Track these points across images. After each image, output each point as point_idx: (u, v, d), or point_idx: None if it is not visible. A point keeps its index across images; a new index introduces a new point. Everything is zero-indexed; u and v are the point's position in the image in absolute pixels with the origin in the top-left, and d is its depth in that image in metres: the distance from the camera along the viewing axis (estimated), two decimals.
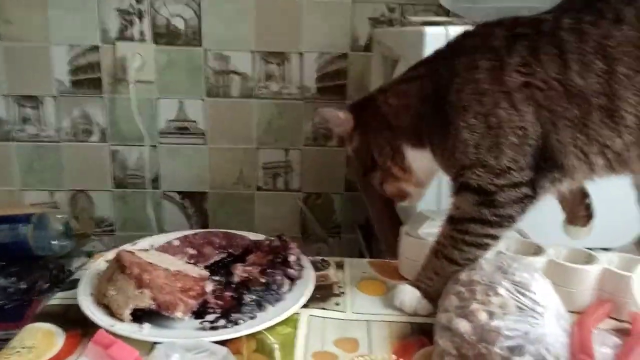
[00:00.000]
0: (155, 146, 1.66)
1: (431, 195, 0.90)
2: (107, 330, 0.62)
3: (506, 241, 0.76)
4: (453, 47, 0.69)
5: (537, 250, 0.75)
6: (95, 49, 1.57)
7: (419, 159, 0.74)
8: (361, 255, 1.51)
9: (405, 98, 0.73)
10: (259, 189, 1.73)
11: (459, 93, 0.65)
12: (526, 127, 0.63)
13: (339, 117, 0.78)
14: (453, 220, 0.68)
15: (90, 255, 1.48)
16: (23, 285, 1.27)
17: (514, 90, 0.63)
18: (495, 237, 0.67)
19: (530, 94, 0.62)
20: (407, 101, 0.72)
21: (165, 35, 1.57)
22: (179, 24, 1.56)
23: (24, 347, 0.63)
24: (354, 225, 1.71)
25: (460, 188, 0.67)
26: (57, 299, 0.75)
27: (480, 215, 0.66)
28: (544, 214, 0.69)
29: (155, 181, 1.69)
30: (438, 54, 0.72)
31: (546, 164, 0.64)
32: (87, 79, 1.59)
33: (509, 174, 0.64)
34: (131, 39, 1.57)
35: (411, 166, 0.75)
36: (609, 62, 0.60)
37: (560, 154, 0.63)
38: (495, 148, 0.64)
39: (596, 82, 0.60)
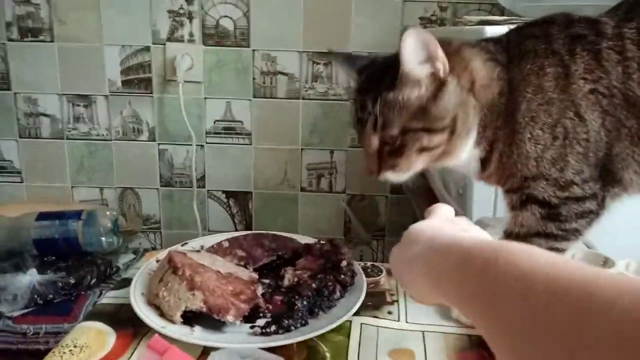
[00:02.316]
0: (202, 146, 1.67)
1: (487, 201, 0.87)
2: (158, 332, 0.62)
3: (572, 252, 0.72)
4: (518, 46, 0.65)
5: (606, 263, 0.71)
6: (146, 49, 1.59)
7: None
8: None
9: (491, 78, 0.64)
10: (302, 189, 1.72)
11: (529, 103, 0.62)
12: (589, 137, 0.61)
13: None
14: (515, 236, 0.66)
15: (136, 252, 1.51)
16: (71, 280, 1.28)
17: (580, 98, 0.61)
18: (561, 250, 0.65)
19: (596, 100, 0.60)
20: (491, 83, 0.64)
21: (214, 36, 1.58)
22: (228, 24, 1.57)
23: (76, 346, 0.64)
24: (399, 228, 1.67)
25: (526, 201, 0.64)
26: (109, 297, 0.75)
27: (545, 230, 0.64)
28: (612, 225, 0.65)
29: (201, 180, 1.71)
30: (507, 48, 0.66)
31: (608, 177, 0.62)
32: (137, 78, 1.62)
33: (573, 188, 0.62)
34: (181, 40, 1.58)
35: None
36: None
37: (620, 166, 0.62)
38: (560, 160, 0.62)
39: None
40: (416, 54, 0.60)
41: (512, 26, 0.72)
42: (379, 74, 0.65)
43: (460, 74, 0.62)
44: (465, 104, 0.62)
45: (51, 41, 1.58)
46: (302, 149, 1.68)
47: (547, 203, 0.63)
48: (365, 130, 0.65)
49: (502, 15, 1.45)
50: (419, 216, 1.30)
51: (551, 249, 0.64)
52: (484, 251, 0.41)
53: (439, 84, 0.62)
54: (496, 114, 0.63)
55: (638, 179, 0.62)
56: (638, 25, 0.60)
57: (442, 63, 0.61)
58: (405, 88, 0.62)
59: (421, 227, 0.52)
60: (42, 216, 1.40)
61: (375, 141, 0.65)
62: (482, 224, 0.76)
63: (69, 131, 1.67)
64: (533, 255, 0.38)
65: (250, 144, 1.67)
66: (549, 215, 0.63)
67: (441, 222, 0.53)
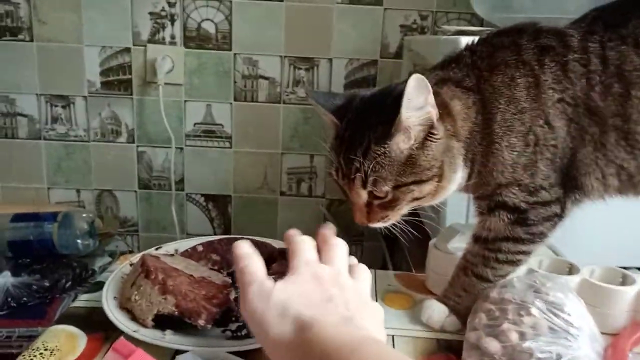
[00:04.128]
0: (181, 148, 1.66)
1: (460, 208, 0.88)
2: (129, 336, 0.62)
3: (539, 258, 0.74)
4: (488, 58, 0.66)
5: (571, 269, 0.73)
6: (126, 50, 1.59)
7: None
8: (384, 265, 1.49)
9: (467, 108, 0.64)
10: (282, 193, 1.72)
11: (504, 113, 0.63)
12: (557, 144, 0.63)
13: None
14: (484, 241, 0.67)
15: (112, 255, 1.50)
16: (46, 283, 1.27)
17: (549, 107, 0.62)
18: (528, 253, 0.67)
19: (563, 109, 0.62)
20: (468, 112, 0.64)
21: (195, 39, 1.58)
22: (210, 27, 1.57)
23: (46, 349, 0.63)
24: (377, 234, 1.69)
25: (495, 207, 0.66)
26: (81, 301, 0.75)
27: (513, 234, 0.65)
28: (578, 232, 0.67)
29: (180, 183, 1.70)
30: (473, 63, 0.66)
31: (570, 183, 0.64)
32: (117, 80, 1.61)
33: (541, 192, 0.64)
34: (162, 42, 1.58)
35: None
36: (625, 86, 0.61)
37: (582, 172, 0.64)
38: (532, 166, 0.63)
39: (613, 104, 0.61)
40: (416, 99, 0.58)
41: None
42: (363, 122, 0.62)
43: (444, 118, 0.62)
44: (450, 148, 0.62)
45: (30, 40, 1.57)
46: (282, 153, 1.68)
47: (516, 208, 0.65)
48: (354, 186, 0.62)
49: (481, 24, 1.47)
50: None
51: (518, 252, 0.66)
52: (342, 350, 0.44)
53: (427, 132, 0.61)
54: (475, 134, 0.64)
55: (599, 185, 0.64)
56: (601, 39, 0.62)
57: (433, 108, 0.60)
58: (398, 138, 0.60)
59: (288, 298, 0.50)
60: (16, 217, 1.39)
61: (364, 196, 0.63)
62: (452, 230, 0.78)
63: (47, 132, 1.65)
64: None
65: (230, 148, 1.67)
66: (518, 220, 0.65)
67: (309, 289, 0.51)
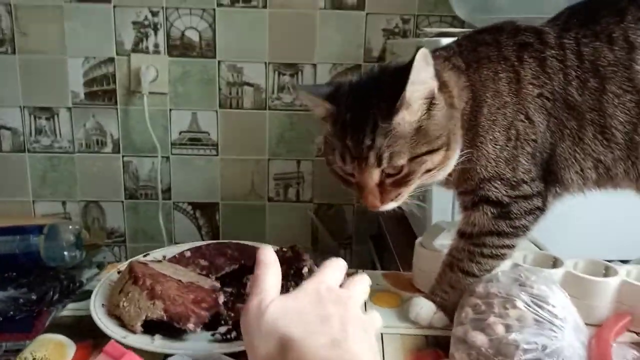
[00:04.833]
0: (167, 157, 1.66)
1: (446, 206, 0.89)
2: (119, 342, 0.61)
3: (523, 253, 0.75)
4: (472, 52, 0.67)
5: (555, 262, 0.74)
6: (110, 60, 1.58)
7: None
8: (373, 266, 1.50)
9: (460, 89, 0.65)
10: (270, 199, 1.72)
11: (490, 107, 0.65)
12: (537, 138, 0.64)
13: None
14: (469, 236, 0.68)
15: (100, 266, 1.49)
16: (33, 296, 1.26)
17: (529, 102, 0.64)
18: (511, 247, 0.68)
19: (542, 103, 0.64)
20: (461, 94, 0.65)
21: (179, 47, 1.58)
22: (194, 36, 1.57)
23: (35, 359, 0.63)
24: (366, 236, 1.70)
25: (479, 201, 0.67)
26: (69, 309, 0.74)
27: (497, 228, 0.66)
28: (561, 226, 0.68)
29: (166, 192, 1.70)
30: (461, 52, 0.67)
31: (550, 177, 0.66)
32: (101, 90, 1.61)
33: (522, 186, 0.65)
34: (146, 51, 1.58)
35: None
36: (600, 81, 0.63)
37: (562, 166, 0.65)
38: (513, 160, 0.65)
39: (590, 98, 0.63)
40: (424, 72, 0.59)
41: None
42: (364, 103, 0.62)
43: (442, 89, 0.63)
44: (452, 117, 0.64)
45: (12, 53, 1.56)
46: (269, 159, 1.69)
47: (499, 202, 0.66)
48: (367, 165, 0.61)
49: (462, 26, 1.50)
50: (382, 223, 1.32)
51: (503, 246, 0.67)
52: None
53: (430, 103, 0.62)
54: (464, 122, 0.65)
55: (578, 178, 0.66)
56: (576, 35, 0.64)
57: (433, 80, 0.61)
58: (405, 112, 0.60)
59: (281, 315, 0.49)
60: (1, 231, 1.37)
61: (377, 175, 0.62)
62: (438, 227, 0.79)
63: (31, 144, 1.64)
64: None
65: (217, 155, 1.67)
66: (501, 214, 0.66)
67: (306, 306, 0.50)
